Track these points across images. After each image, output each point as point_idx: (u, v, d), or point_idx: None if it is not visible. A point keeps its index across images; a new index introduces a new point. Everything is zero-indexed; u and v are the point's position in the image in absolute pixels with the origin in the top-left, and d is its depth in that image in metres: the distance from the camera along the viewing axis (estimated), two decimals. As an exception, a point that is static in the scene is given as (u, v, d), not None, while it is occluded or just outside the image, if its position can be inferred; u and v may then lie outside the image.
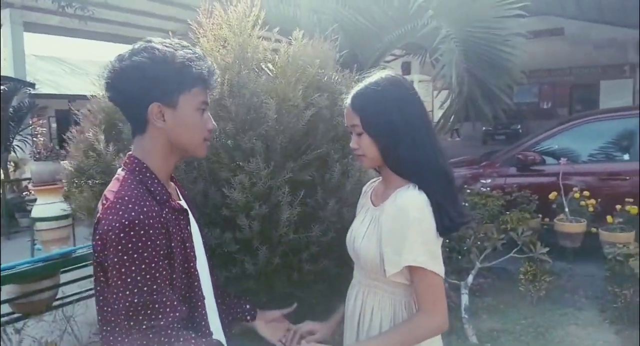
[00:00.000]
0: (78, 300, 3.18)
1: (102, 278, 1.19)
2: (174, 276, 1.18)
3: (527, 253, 3.75)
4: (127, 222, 1.08)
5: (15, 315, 3.00)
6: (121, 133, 1.72)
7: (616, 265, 3.77)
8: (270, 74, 1.76)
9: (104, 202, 1.17)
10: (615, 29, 14.46)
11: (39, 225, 4.58)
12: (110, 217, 1.10)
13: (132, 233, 1.08)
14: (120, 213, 1.09)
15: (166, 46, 1.18)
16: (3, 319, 2.89)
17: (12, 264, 2.68)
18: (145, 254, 1.09)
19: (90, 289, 3.17)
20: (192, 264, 1.24)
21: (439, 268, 1.34)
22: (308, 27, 4.33)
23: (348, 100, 1.41)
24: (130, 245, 1.08)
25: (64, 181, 1.80)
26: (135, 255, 1.09)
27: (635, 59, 14.71)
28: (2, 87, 9.00)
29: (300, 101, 1.73)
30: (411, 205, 1.32)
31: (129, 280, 1.09)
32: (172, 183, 1.35)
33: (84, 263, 3.04)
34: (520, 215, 4.27)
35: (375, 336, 1.40)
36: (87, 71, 18.54)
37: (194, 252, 1.26)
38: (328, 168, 1.82)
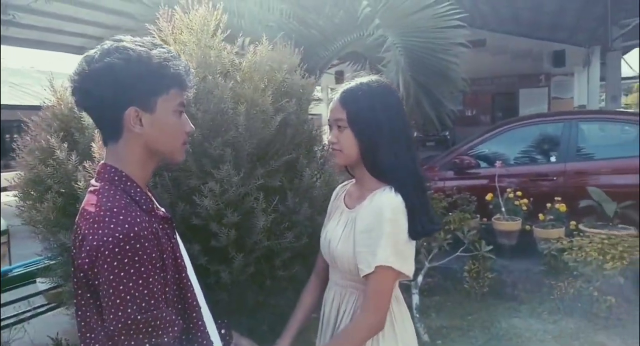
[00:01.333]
0: (15, 324, 2.95)
1: (85, 301, 1.09)
2: (167, 288, 1.11)
3: (472, 252, 3.92)
4: (120, 235, 1.00)
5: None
6: (77, 143, 1.62)
7: (551, 259, 4.04)
8: (237, 79, 1.73)
9: (86, 216, 1.07)
10: (532, 41, 15.57)
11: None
12: (100, 231, 1.01)
13: (127, 247, 1.00)
14: (112, 226, 1.01)
15: (139, 45, 1.11)
16: None
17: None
18: (142, 268, 1.01)
19: (28, 310, 2.97)
20: (183, 274, 1.17)
21: (407, 269, 1.36)
22: (252, 36, 4.33)
23: (337, 95, 1.43)
24: (126, 260, 1.00)
25: (15, 192, 1.66)
26: (132, 270, 1.00)
27: (549, 69, 15.90)
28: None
29: (269, 107, 1.72)
30: (387, 206, 1.34)
31: (128, 297, 1.01)
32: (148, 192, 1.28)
33: (21, 283, 2.86)
34: (461, 215, 4.46)
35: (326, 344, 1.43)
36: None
37: (182, 261, 1.20)
38: (296, 173, 1.82)
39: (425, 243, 3.93)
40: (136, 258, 1.01)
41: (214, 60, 1.76)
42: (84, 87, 1.09)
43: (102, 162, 1.17)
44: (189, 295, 1.19)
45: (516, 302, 4.09)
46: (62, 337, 2.76)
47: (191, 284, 1.21)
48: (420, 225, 1.35)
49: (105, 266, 1.00)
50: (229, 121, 1.67)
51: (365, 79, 1.44)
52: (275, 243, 1.66)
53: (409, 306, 3.79)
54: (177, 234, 1.27)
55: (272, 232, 1.66)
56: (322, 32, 3.84)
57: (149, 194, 1.27)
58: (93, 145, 1.52)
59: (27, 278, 2.82)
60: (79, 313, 1.11)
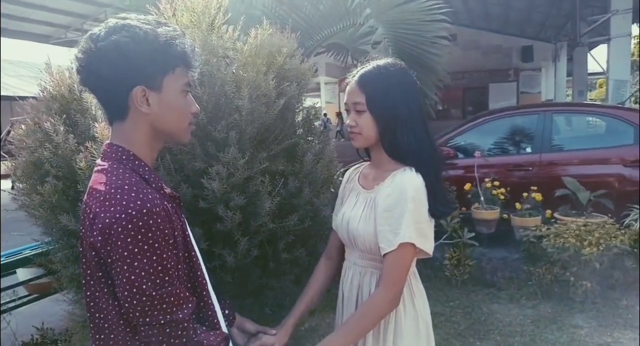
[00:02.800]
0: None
1: (95, 281, 1.08)
2: (179, 266, 1.11)
3: (454, 239, 4.01)
4: (133, 212, 0.99)
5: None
6: (77, 125, 1.58)
7: (529, 246, 4.17)
8: (239, 62, 1.72)
9: (96, 195, 1.06)
10: (501, 36, 15.90)
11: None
12: (112, 209, 1.00)
13: (140, 223, 0.99)
14: (124, 203, 1.00)
15: (145, 24, 1.09)
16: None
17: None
18: (156, 244, 1.01)
19: (10, 301, 2.89)
20: (193, 253, 1.18)
21: (428, 246, 1.39)
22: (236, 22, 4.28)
23: (355, 77, 1.42)
24: (140, 236, 1.00)
25: (15, 175, 1.60)
26: (145, 247, 1.00)
27: (518, 64, 16.27)
28: None
29: (272, 90, 1.72)
30: (410, 185, 1.36)
31: (143, 273, 1.01)
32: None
33: (6, 272, 2.78)
34: (442, 205, 4.54)
35: (341, 326, 1.42)
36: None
37: (191, 239, 1.20)
38: (297, 157, 1.83)
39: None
40: (149, 235, 1.01)
41: (215, 43, 1.75)
42: (89, 66, 1.07)
43: (108, 141, 1.15)
44: (198, 273, 1.20)
45: (495, 288, 4.20)
46: (48, 327, 2.70)
47: (200, 262, 1.22)
48: (440, 205, 1.39)
49: (119, 242, 1.00)
50: (231, 104, 1.66)
51: (381, 61, 1.45)
52: (279, 226, 1.67)
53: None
54: (184, 213, 1.26)
55: (276, 215, 1.67)
56: (308, 20, 3.83)
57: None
58: (96, 125, 1.49)
59: (11, 267, 2.74)
60: (88, 293, 1.11)
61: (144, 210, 1.00)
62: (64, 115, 1.60)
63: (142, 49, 1.06)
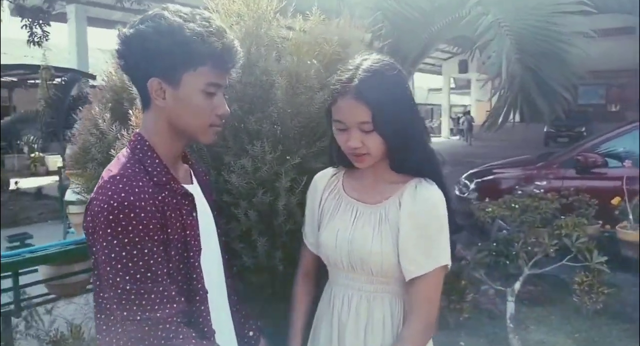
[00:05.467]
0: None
1: (94, 266, 1.11)
2: (170, 265, 1.08)
3: (582, 262, 3.41)
4: (115, 203, 1.00)
5: (50, 296, 3.00)
6: (126, 114, 1.63)
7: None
8: (284, 50, 1.62)
9: (99, 181, 1.10)
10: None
11: (71, 209, 4.54)
12: (101, 197, 1.03)
13: (121, 215, 1.00)
14: (110, 193, 1.02)
15: (178, 16, 1.08)
16: (36, 300, 2.89)
17: (44, 246, 2.67)
18: (137, 238, 1.01)
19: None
20: (192, 254, 1.13)
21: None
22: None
23: (349, 90, 1.19)
24: (119, 228, 1.00)
25: (67, 161, 1.75)
26: (125, 240, 1.00)
27: None
28: (63, 78, 9.41)
29: (314, 81, 1.58)
30: (439, 200, 1.26)
31: (119, 265, 1.01)
32: (184, 166, 1.26)
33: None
34: (576, 220, 3.91)
35: None
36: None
37: (196, 241, 1.15)
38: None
39: (528, 248, 3.52)
40: (130, 228, 1.00)
41: (264, 31, 1.67)
42: (120, 51, 1.11)
43: (137, 130, 1.19)
44: (194, 276, 1.14)
45: (636, 325, 3.49)
46: (79, 324, 2.80)
47: (199, 266, 1.15)
48: (455, 218, 1.28)
49: (100, 232, 1.01)
50: (270, 96, 1.56)
51: (369, 61, 1.23)
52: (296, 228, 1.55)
53: (503, 315, 3.44)
54: (203, 214, 1.22)
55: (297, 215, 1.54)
56: (421, 11, 3.56)
57: (186, 167, 1.26)
58: (130, 112, 1.53)
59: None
60: (95, 272, 1.13)
61: (126, 202, 1.00)
62: (110, 104, 1.67)
63: (162, 41, 1.05)
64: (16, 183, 10.30)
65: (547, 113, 3.15)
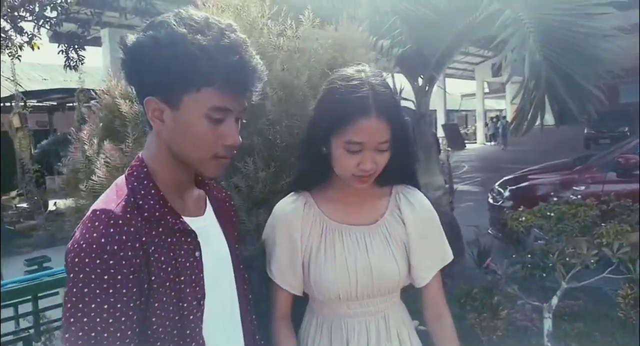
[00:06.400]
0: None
1: None
2: (154, 320, 0.90)
3: (626, 273, 3.15)
4: (85, 244, 0.85)
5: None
6: (118, 133, 1.56)
7: None
8: (274, 58, 1.52)
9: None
10: None
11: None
12: (77, 235, 0.88)
13: (86, 259, 0.84)
14: (84, 231, 0.86)
15: (186, 24, 0.90)
16: (56, 324, 2.85)
17: (62, 268, 2.63)
18: (98, 290, 0.83)
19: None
20: (186, 305, 0.94)
21: None
22: (369, 24, 4.07)
23: (372, 110, 1.09)
24: (81, 276, 0.83)
25: (61, 184, 1.70)
26: (85, 290, 0.83)
27: None
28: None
29: (307, 89, 1.47)
30: (429, 203, 1.29)
31: (72, 319, 0.83)
32: (198, 192, 1.08)
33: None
34: (618, 227, 3.63)
35: None
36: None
37: (198, 287, 0.97)
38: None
39: (566, 259, 3.28)
40: (92, 276, 0.83)
41: (254, 40, 1.57)
42: (122, 62, 0.95)
43: (140, 152, 1.03)
44: (188, 332, 0.95)
45: (690, 342, 3.19)
46: None
47: (197, 320, 0.97)
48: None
49: (68, 274, 0.86)
50: (259, 107, 1.46)
51: (375, 75, 1.15)
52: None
53: (541, 332, 3.20)
54: (214, 252, 1.04)
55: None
56: (439, 12, 3.41)
57: (198, 195, 1.08)
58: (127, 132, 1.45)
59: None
60: None
61: (94, 245, 0.85)
62: (101, 124, 1.60)
63: (160, 55, 0.89)
64: (55, 204, 10.59)
65: (577, 114, 2.93)
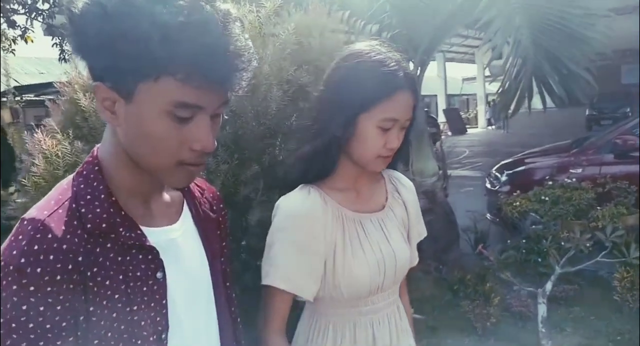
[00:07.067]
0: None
1: None
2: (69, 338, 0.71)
3: (620, 257, 3.10)
4: (2, 263, 0.69)
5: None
6: (80, 128, 1.50)
7: None
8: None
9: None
10: None
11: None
12: (5, 244, 0.72)
13: (3, 283, 0.68)
14: (5, 246, 0.71)
15: None
16: None
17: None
18: (24, 307, 0.67)
19: None
20: (139, 340, 0.76)
21: None
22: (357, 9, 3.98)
23: (405, 83, 1.06)
24: (4, 295, 0.68)
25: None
26: (14, 312, 0.67)
27: None
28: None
29: (271, 78, 1.41)
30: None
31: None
32: (173, 194, 0.88)
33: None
34: (614, 210, 3.57)
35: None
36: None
37: (156, 316, 0.78)
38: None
39: (561, 243, 3.23)
40: (8, 306, 0.68)
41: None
42: (67, 34, 0.74)
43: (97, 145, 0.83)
44: None
45: (687, 325, 3.15)
46: None
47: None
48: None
49: None
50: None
51: (383, 47, 1.10)
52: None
53: (534, 318, 3.17)
54: (164, 272, 0.80)
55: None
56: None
57: (176, 198, 0.89)
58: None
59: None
60: None
61: (11, 267, 0.68)
62: (62, 118, 1.55)
63: (107, 29, 0.68)
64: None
65: (565, 98, 2.86)
